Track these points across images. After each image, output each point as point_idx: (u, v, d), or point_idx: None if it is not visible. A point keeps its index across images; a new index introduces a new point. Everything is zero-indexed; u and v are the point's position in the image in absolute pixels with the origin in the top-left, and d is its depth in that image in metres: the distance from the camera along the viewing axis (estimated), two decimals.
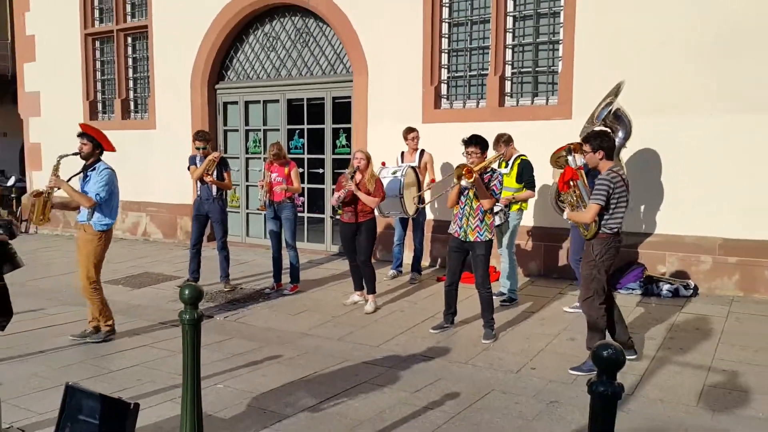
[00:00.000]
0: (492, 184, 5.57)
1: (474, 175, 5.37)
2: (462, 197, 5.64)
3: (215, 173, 7.42)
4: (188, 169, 7.58)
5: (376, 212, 6.75)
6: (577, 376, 4.79)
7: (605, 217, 4.76)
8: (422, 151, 7.88)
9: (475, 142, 5.56)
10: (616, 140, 6.54)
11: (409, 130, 7.85)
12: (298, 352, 5.41)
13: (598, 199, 4.68)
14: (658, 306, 6.62)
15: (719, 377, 4.72)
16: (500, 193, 5.64)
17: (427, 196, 7.83)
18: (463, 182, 5.42)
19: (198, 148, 7.47)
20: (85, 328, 5.80)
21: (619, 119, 6.55)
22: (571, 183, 4.97)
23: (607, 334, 4.97)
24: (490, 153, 5.84)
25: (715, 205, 7.00)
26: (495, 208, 6.51)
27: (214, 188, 7.46)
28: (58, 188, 5.55)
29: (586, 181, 5.08)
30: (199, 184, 7.51)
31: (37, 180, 13.02)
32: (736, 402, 4.29)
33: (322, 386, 4.62)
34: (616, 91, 6.60)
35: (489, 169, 5.65)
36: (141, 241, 11.40)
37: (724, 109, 6.88)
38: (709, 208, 7.04)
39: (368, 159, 6.57)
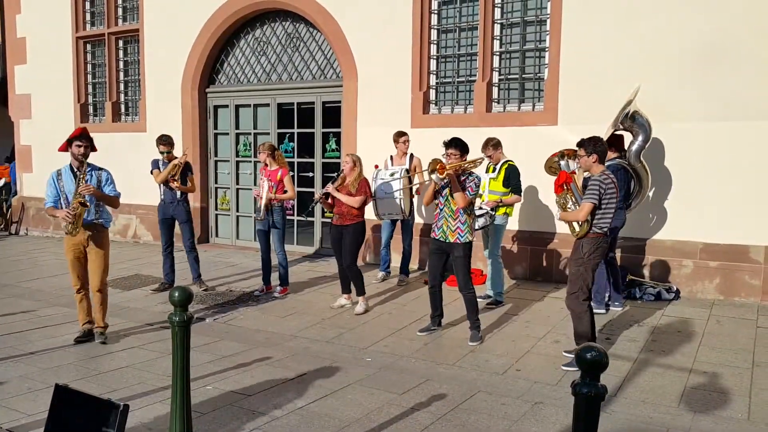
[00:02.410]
0: (468, 186, 5.59)
1: (445, 171, 5.44)
2: (441, 198, 5.69)
3: (179, 178, 7.46)
4: (151, 173, 7.57)
5: (365, 215, 6.82)
6: (566, 371, 4.91)
7: (597, 216, 4.91)
8: (411, 155, 7.96)
9: (455, 144, 5.63)
10: (636, 143, 6.68)
11: (400, 134, 7.89)
12: (287, 353, 5.47)
13: (591, 198, 4.86)
14: (640, 309, 6.71)
15: (700, 379, 4.82)
16: (475, 194, 5.67)
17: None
18: (434, 176, 5.49)
19: (162, 153, 7.50)
20: (100, 332, 5.83)
21: (638, 123, 6.65)
22: (565, 186, 5.11)
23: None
24: (472, 157, 5.87)
25: (697, 210, 7.12)
26: (479, 210, 6.62)
27: (179, 191, 7.52)
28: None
29: (579, 184, 5.23)
30: (162, 187, 7.52)
31: (28, 182, 13.01)
32: (716, 403, 4.39)
33: (311, 387, 4.68)
34: (633, 96, 6.67)
35: (467, 172, 5.68)
36: (131, 243, 11.40)
37: (705, 117, 7.00)
38: (690, 213, 7.16)
39: (354, 162, 6.63)
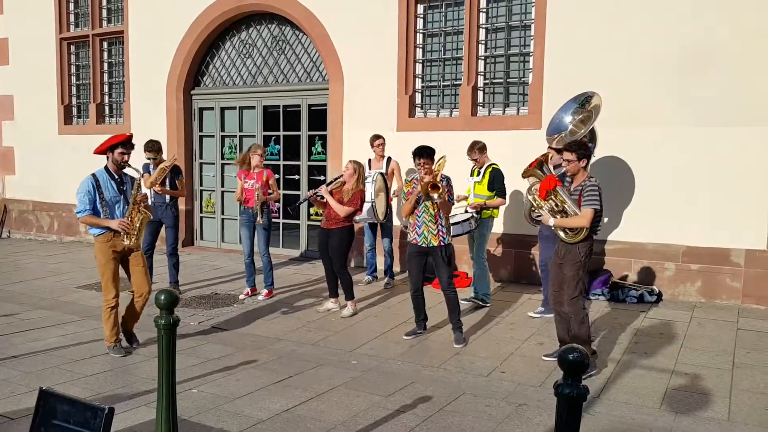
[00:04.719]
0: (448, 192, 5.67)
1: (438, 188, 5.44)
2: (418, 205, 5.70)
3: (168, 182, 7.43)
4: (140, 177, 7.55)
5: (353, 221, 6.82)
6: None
7: (594, 220, 4.88)
8: (389, 158, 8.00)
9: (427, 154, 5.60)
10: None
11: (375, 137, 7.97)
12: (273, 356, 5.47)
13: (593, 204, 4.82)
14: (623, 311, 6.78)
15: (682, 380, 4.88)
16: (454, 197, 5.80)
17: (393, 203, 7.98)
18: (436, 197, 5.48)
19: (148, 159, 7.47)
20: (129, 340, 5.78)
21: (593, 133, 6.70)
22: (553, 192, 4.99)
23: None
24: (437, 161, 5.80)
25: (679, 213, 7.21)
26: (465, 214, 6.67)
27: (167, 195, 7.50)
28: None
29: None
30: (152, 191, 7.50)
31: (10, 184, 12.88)
32: (698, 404, 4.45)
33: (296, 390, 4.68)
34: (585, 101, 6.60)
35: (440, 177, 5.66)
36: None
37: (687, 122, 7.09)
38: (672, 216, 7.24)
39: (355, 170, 6.59)
